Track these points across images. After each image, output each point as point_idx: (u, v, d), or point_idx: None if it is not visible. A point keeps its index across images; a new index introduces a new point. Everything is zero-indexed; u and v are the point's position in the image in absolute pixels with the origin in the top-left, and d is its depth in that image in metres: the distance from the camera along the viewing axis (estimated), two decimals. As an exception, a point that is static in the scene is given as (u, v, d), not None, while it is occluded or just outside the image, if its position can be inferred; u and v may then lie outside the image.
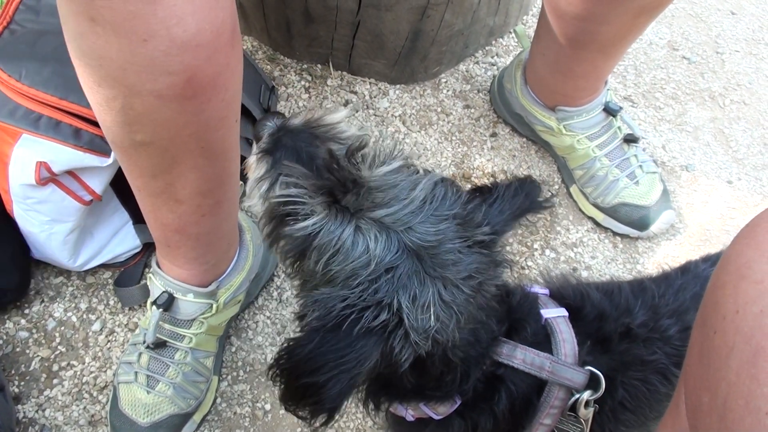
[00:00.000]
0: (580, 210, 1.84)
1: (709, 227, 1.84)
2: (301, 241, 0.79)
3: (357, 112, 1.92)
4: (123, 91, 0.87)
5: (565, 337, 0.99)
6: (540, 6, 2.26)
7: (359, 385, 0.75)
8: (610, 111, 1.74)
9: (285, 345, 0.77)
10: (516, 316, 1.00)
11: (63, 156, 1.26)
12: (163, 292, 1.31)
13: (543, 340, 0.99)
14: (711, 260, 1.17)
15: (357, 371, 0.73)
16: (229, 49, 0.90)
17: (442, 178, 0.84)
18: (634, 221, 1.75)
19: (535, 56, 1.73)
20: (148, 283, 1.39)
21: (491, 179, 1.85)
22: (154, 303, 1.32)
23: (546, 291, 1.09)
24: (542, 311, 1.02)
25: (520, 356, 0.95)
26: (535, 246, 1.75)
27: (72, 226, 1.40)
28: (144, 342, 1.34)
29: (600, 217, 1.79)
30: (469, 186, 1.83)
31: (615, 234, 1.80)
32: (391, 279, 0.75)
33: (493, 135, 1.94)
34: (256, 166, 0.94)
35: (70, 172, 1.31)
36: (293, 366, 0.75)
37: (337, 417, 0.76)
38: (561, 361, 0.96)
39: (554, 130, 1.78)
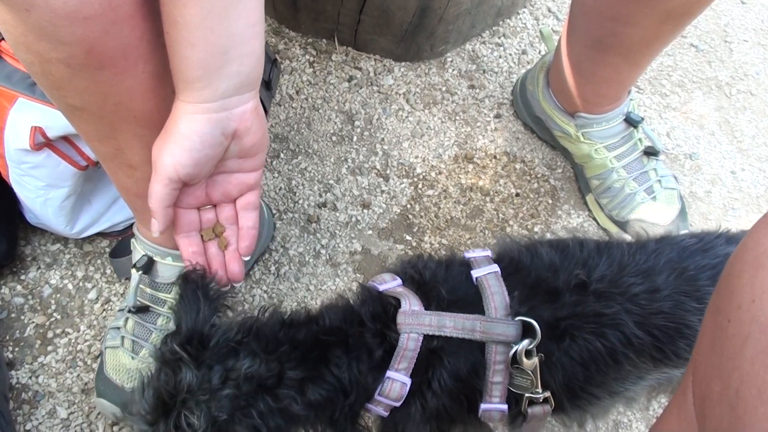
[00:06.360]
0: (595, 220, 1.80)
1: (710, 217, 1.84)
2: None
3: (361, 88, 1.90)
4: (36, 57, 0.89)
5: (494, 290, 0.96)
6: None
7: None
8: (630, 122, 1.69)
9: None
10: (427, 286, 0.99)
11: (58, 121, 1.24)
12: (143, 255, 1.32)
13: (474, 300, 0.97)
14: (690, 233, 1.12)
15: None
16: (141, 23, 0.89)
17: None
18: None
19: (558, 58, 1.68)
20: (132, 249, 1.38)
21: (494, 160, 1.84)
22: (134, 266, 1.33)
23: (487, 252, 1.06)
24: (472, 272, 0.99)
25: (450, 324, 0.93)
26: (536, 229, 1.74)
27: (68, 192, 1.38)
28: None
29: (614, 230, 1.75)
30: (471, 166, 1.82)
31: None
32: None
33: (498, 116, 1.92)
34: None
35: (65, 138, 1.30)
36: None
37: None
38: (490, 318, 0.94)
39: (572, 136, 1.74)
